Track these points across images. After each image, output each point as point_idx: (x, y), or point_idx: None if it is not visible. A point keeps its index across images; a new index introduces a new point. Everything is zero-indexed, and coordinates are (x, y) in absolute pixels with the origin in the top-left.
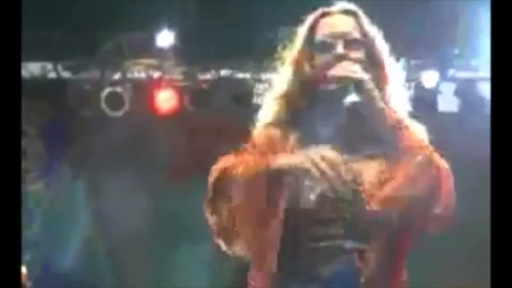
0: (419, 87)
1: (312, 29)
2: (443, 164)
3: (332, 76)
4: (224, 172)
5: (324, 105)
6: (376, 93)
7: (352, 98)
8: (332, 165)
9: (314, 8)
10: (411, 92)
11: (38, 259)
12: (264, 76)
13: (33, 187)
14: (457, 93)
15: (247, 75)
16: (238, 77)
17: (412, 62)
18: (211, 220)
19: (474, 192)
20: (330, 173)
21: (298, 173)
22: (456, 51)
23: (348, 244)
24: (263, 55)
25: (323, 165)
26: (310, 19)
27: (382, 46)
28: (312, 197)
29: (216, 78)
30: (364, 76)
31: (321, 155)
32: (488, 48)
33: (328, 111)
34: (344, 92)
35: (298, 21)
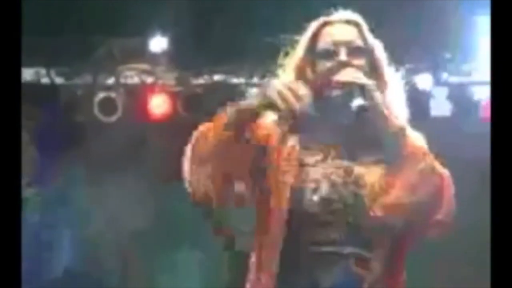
0: (412, 91)
1: (314, 37)
2: (446, 172)
3: (337, 81)
4: (201, 133)
5: (328, 110)
6: (380, 99)
7: (358, 101)
8: (297, 96)
9: (309, 13)
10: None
11: (32, 265)
12: (258, 81)
13: (25, 193)
14: (449, 97)
15: (241, 80)
16: (231, 82)
17: (405, 66)
18: (188, 181)
19: (466, 195)
20: (295, 104)
21: (265, 109)
22: (448, 55)
23: (347, 250)
24: (257, 60)
25: (288, 94)
26: (312, 27)
27: (382, 56)
28: (316, 198)
29: (210, 83)
30: (368, 82)
31: (288, 86)
32: (480, 52)
33: (331, 117)
34: (349, 97)
35: (292, 27)
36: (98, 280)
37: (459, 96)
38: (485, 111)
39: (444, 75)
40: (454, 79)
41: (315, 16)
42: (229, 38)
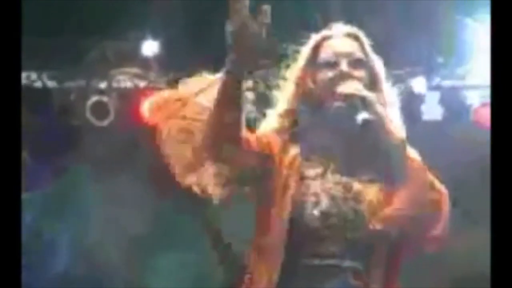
0: (404, 95)
1: (316, 49)
2: (443, 188)
3: (339, 93)
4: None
5: (329, 122)
6: (383, 112)
7: (363, 115)
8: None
9: (303, 14)
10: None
11: (28, 267)
12: (252, 84)
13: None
14: (442, 101)
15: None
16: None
17: (398, 71)
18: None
19: (461, 198)
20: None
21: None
22: (441, 59)
23: (346, 263)
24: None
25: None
26: (313, 40)
27: (382, 70)
28: (316, 212)
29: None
30: (370, 94)
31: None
32: (473, 56)
33: (332, 129)
34: (353, 109)
35: (284, 28)
36: (95, 282)
37: (451, 100)
38: (477, 115)
39: (437, 79)
40: (446, 83)
41: (309, 17)
42: (222, 41)
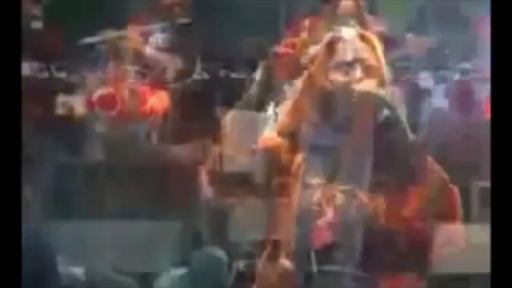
0: (412, 87)
1: (330, 49)
2: (456, 189)
3: (357, 91)
4: None
5: (341, 122)
6: (400, 110)
7: (385, 112)
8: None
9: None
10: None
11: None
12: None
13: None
14: (450, 94)
15: (242, 76)
16: (231, 78)
17: (404, 63)
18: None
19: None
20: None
21: None
22: (448, 52)
23: (350, 269)
24: (257, 56)
25: None
26: (326, 40)
27: (389, 75)
28: (321, 221)
29: (209, 79)
30: (386, 94)
31: None
32: (481, 50)
33: (342, 130)
34: (371, 106)
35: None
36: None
37: (459, 93)
38: (485, 108)
39: (445, 72)
40: (454, 76)
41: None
42: (229, 33)
